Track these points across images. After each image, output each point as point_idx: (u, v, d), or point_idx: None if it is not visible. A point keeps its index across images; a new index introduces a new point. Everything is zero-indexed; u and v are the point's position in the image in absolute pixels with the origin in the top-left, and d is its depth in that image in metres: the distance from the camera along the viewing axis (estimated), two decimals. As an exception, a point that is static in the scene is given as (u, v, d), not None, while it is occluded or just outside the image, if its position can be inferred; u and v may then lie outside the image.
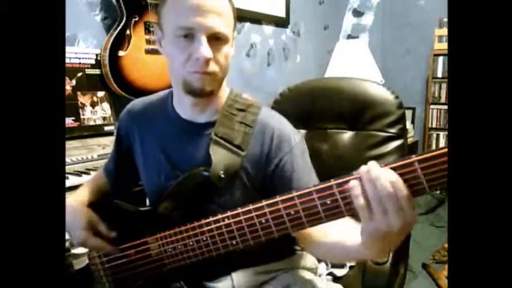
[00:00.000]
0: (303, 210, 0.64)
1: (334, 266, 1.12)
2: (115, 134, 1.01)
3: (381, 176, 0.55)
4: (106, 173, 1.03)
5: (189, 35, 0.74)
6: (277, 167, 0.81)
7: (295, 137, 0.84)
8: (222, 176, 0.78)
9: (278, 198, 0.67)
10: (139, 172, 0.96)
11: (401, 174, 0.56)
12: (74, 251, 1.10)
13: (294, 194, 0.65)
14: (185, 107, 0.85)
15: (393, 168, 0.56)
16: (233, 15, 0.79)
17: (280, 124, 0.85)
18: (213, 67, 0.76)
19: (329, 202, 0.62)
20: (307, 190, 0.64)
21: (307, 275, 0.92)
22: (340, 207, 0.61)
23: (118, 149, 1.00)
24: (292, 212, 0.65)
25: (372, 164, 0.57)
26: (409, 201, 0.56)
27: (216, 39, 0.75)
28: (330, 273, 1.09)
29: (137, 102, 0.97)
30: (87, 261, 0.98)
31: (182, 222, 0.79)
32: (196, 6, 0.72)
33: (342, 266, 1.12)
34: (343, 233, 0.70)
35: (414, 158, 0.55)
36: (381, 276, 0.95)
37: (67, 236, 1.06)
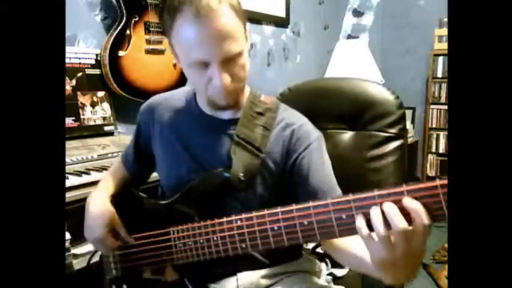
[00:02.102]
0: (317, 222, 0.63)
1: (334, 266, 1.12)
2: (135, 127, 1.02)
3: (391, 211, 0.55)
4: (126, 165, 1.04)
5: (204, 64, 0.74)
6: (295, 163, 0.83)
7: (313, 134, 0.86)
8: (242, 178, 0.80)
9: (294, 207, 0.66)
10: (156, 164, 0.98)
11: (422, 198, 0.54)
12: (74, 251, 1.10)
13: (311, 204, 0.64)
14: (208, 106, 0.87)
15: (415, 191, 0.55)
16: (242, 23, 0.77)
17: (300, 121, 0.87)
18: (233, 86, 0.77)
19: (344, 217, 0.61)
20: (324, 202, 0.63)
21: (312, 278, 0.92)
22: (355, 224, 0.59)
23: (137, 141, 1.01)
24: (306, 223, 0.64)
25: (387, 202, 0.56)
26: (424, 232, 0.54)
27: (231, 60, 0.75)
28: (330, 274, 1.09)
29: (158, 97, 0.98)
30: (91, 258, 0.99)
31: (197, 219, 0.80)
32: (205, 38, 0.71)
33: (342, 266, 1.12)
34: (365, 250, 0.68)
35: (438, 182, 0.53)
36: (381, 276, 0.95)
37: (67, 236, 1.06)
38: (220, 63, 0.73)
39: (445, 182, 0.53)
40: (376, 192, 0.58)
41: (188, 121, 0.90)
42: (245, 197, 0.83)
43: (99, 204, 0.91)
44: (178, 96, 0.95)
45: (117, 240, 0.89)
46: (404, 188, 0.56)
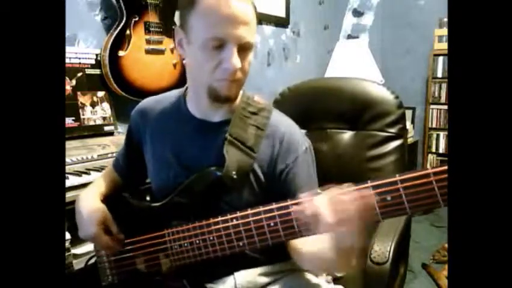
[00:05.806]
0: None
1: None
2: (126, 130, 1.01)
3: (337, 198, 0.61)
4: (116, 169, 1.04)
5: (219, 45, 0.75)
6: (282, 174, 0.84)
7: (302, 145, 0.86)
8: (234, 176, 0.80)
9: (289, 202, 0.67)
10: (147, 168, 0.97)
11: (415, 186, 0.57)
12: (74, 251, 1.10)
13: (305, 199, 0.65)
14: (201, 107, 0.87)
15: (408, 180, 0.58)
16: (256, 23, 0.80)
17: (291, 129, 0.87)
18: (239, 75, 0.78)
19: None
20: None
21: (310, 277, 0.92)
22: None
23: (128, 145, 1.01)
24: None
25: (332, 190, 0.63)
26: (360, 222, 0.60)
27: (243, 48, 0.77)
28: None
29: (149, 101, 0.98)
30: (89, 260, 0.99)
31: (191, 219, 0.80)
32: (228, 17, 0.73)
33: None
34: (320, 243, 0.72)
35: (430, 169, 0.56)
36: (381, 277, 0.95)
37: (67, 236, 1.06)
38: (236, 46, 0.75)
39: (438, 169, 0.55)
40: (370, 183, 0.61)
41: (178, 125, 0.90)
42: (231, 200, 0.83)
43: (90, 202, 0.90)
44: (169, 100, 0.94)
45: (112, 238, 0.88)
46: (398, 177, 0.58)
